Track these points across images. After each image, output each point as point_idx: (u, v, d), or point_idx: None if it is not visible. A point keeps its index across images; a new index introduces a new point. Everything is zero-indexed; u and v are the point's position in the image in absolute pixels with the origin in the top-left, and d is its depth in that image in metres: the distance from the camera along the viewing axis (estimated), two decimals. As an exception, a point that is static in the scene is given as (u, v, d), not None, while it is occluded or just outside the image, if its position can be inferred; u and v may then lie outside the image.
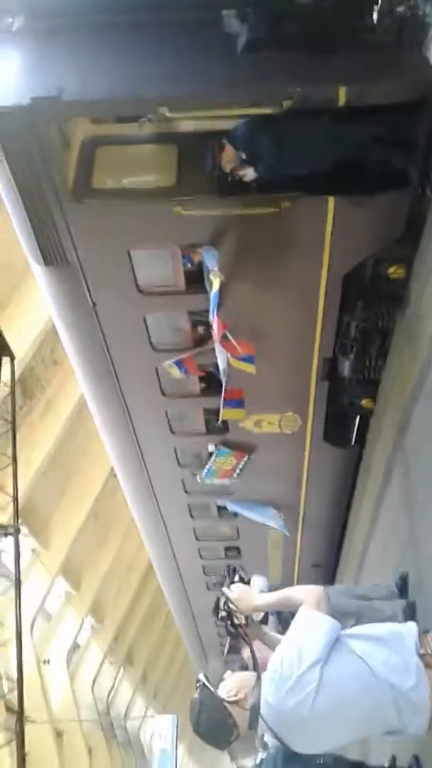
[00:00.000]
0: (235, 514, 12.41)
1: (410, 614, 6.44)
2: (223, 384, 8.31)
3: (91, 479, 18.05)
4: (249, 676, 3.64)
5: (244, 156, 6.59)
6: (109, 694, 24.37)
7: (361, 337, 8.22)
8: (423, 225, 6.83)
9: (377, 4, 5.97)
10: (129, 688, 27.31)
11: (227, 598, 4.08)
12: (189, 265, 7.79)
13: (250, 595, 4.07)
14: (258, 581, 6.65)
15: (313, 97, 5.95)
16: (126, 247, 7.48)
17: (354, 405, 9.36)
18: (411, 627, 3.79)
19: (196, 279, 7.73)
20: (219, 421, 9.41)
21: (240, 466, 10.83)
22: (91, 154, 7.28)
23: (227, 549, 14.15)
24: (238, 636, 4.07)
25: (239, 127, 6.41)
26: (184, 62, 6.21)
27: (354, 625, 6.51)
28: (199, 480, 11.23)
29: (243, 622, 4.03)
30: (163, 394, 9.57)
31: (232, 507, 12.14)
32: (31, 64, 6.48)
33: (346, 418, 10.12)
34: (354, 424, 10.33)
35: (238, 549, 13.97)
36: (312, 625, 3.47)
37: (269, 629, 4.66)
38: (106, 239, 7.37)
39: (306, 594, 3.68)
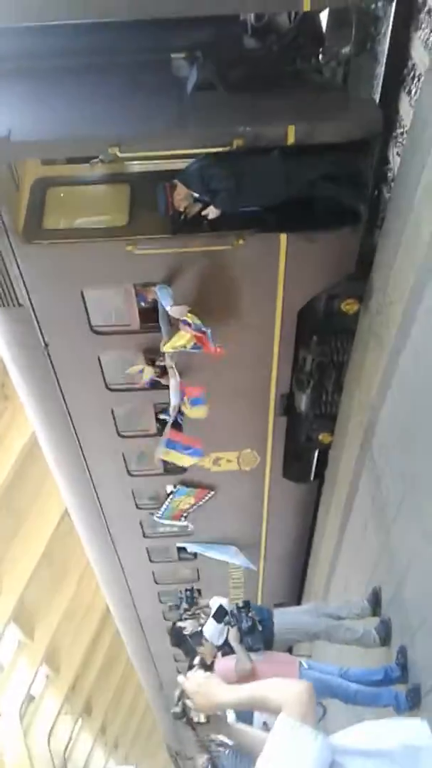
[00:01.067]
0: (195, 555, 12.20)
1: (384, 632, 6.31)
2: (170, 421, 8.27)
3: (45, 519, 17.28)
4: None
5: (196, 194, 6.62)
6: (66, 747, 23.43)
7: (317, 372, 8.26)
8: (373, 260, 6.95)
9: (323, 46, 6.14)
10: (88, 739, 26.32)
11: (181, 692, 3.16)
12: (143, 304, 7.74)
13: (213, 688, 3.07)
14: (217, 602, 6.52)
15: (263, 135, 6.04)
16: (79, 287, 7.41)
17: (312, 440, 9.36)
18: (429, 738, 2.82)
19: (150, 317, 7.68)
20: (157, 457, 9.26)
21: (196, 505, 10.70)
22: (42, 195, 7.24)
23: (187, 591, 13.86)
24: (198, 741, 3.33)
25: (192, 166, 6.44)
26: (135, 103, 6.25)
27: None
28: (156, 519, 11.04)
29: (203, 720, 3.23)
30: (118, 434, 9.41)
31: (192, 548, 11.93)
32: None
33: (304, 454, 10.11)
34: (313, 459, 10.32)
35: (198, 591, 13.66)
36: (298, 748, 2.59)
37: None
38: (59, 280, 7.28)
39: (287, 695, 2.75)
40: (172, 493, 10.63)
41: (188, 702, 3.08)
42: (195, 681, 3.08)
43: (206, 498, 10.58)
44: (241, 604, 6.17)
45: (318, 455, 10.19)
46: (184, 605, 7.09)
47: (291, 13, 6.03)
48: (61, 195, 7.37)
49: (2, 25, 6.02)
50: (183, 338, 7.13)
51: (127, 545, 12.03)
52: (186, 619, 6.91)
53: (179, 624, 6.91)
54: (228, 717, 3.29)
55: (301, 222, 6.73)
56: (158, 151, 6.57)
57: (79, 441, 9.36)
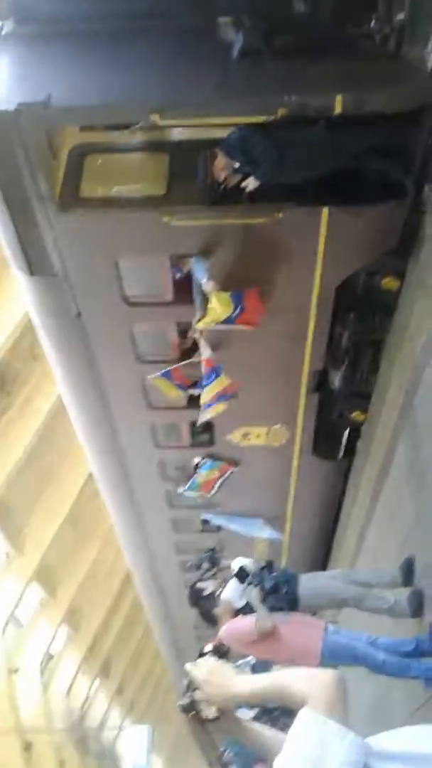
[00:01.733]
0: (219, 528, 12.22)
1: (416, 603, 5.95)
2: (204, 384, 8.11)
3: (69, 482, 17.34)
4: None
5: (236, 165, 6.44)
6: (83, 705, 23.94)
7: (353, 349, 8.12)
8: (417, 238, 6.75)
9: (376, 11, 5.89)
10: (105, 699, 26.90)
11: (190, 681, 2.71)
12: (178, 275, 7.62)
13: (226, 676, 2.62)
14: (240, 563, 6.23)
15: (309, 105, 5.84)
16: (114, 257, 7.30)
17: (344, 417, 9.24)
18: None
19: (185, 289, 7.56)
20: (197, 425, 9.17)
21: (221, 480, 10.65)
22: (80, 163, 7.09)
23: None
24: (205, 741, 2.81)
25: (233, 135, 6.25)
26: (177, 70, 6.07)
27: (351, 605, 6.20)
28: (180, 492, 11.03)
29: (213, 715, 2.67)
30: (148, 406, 9.37)
31: (217, 520, 11.94)
32: (20, 69, 6.30)
33: (335, 431, 10.00)
34: (343, 437, 10.21)
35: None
36: (323, 748, 2.10)
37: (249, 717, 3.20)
38: (94, 249, 7.18)
39: (313, 686, 2.27)
40: (198, 465, 10.60)
41: (198, 693, 2.64)
42: (206, 667, 2.68)
43: (230, 472, 10.54)
44: (264, 564, 6.05)
45: (348, 433, 10.07)
46: (206, 565, 6.98)
47: (344, -25, 5.79)
48: (99, 162, 7.22)
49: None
50: (225, 305, 7.00)
51: (151, 515, 12.09)
52: (206, 579, 6.71)
53: (199, 584, 6.65)
54: (243, 715, 2.80)
55: (344, 195, 6.53)
56: (200, 119, 6.37)
57: (108, 412, 9.33)
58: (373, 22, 5.97)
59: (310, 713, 2.15)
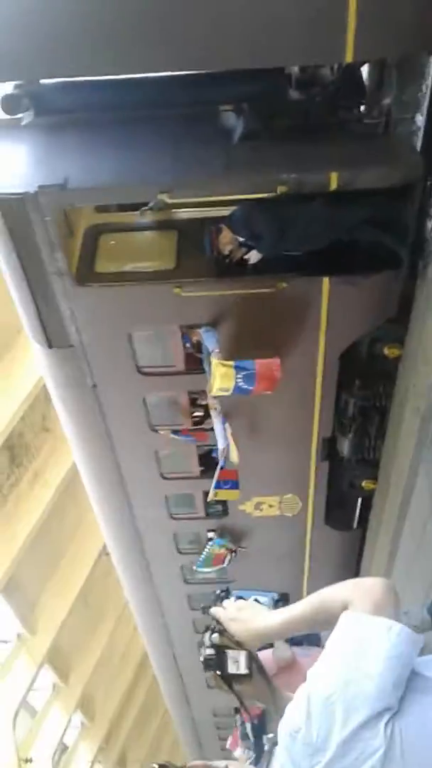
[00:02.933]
0: (236, 603, 12.03)
1: None
2: (220, 464, 8.31)
3: (82, 558, 16.86)
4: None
5: (241, 239, 6.85)
6: (99, 800, 22.75)
7: (360, 416, 8.27)
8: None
9: (365, 97, 6.38)
10: (121, 793, 25.57)
11: (215, 622, 2.42)
12: (188, 345, 7.93)
13: (255, 610, 2.38)
14: (262, 601, 6.01)
15: (306, 182, 6.24)
16: (128, 329, 7.65)
17: (355, 486, 9.29)
18: None
19: (195, 360, 7.86)
20: (208, 500, 9.30)
21: (231, 555, 10.64)
22: (95, 241, 7.57)
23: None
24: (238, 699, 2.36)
25: (237, 211, 6.69)
26: (184, 152, 6.56)
27: None
28: (195, 569, 11.00)
29: (242, 671, 2.30)
30: (162, 476, 9.52)
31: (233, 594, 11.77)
32: (40, 155, 6.85)
33: (347, 500, 10.02)
34: (356, 507, 10.21)
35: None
36: (369, 640, 1.82)
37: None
38: (109, 321, 7.54)
39: (356, 592, 2.00)
40: (210, 539, 10.60)
41: (223, 638, 2.27)
42: (233, 606, 2.47)
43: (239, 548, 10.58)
44: (277, 597, 5.81)
45: (361, 502, 10.07)
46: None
47: (334, 65, 6.30)
48: (112, 241, 7.71)
49: (59, 78, 6.48)
50: (227, 377, 7.24)
51: (167, 590, 11.99)
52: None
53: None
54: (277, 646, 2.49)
55: (343, 265, 6.87)
56: (205, 197, 6.83)
57: (123, 481, 9.48)
58: (362, 107, 6.45)
59: (352, 614, 1.90)
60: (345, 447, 8.61)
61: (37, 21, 5.21)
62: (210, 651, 2.28)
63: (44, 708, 18.72)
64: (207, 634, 2.38)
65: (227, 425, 8.09)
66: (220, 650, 2.30)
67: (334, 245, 6.66)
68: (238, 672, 2.26)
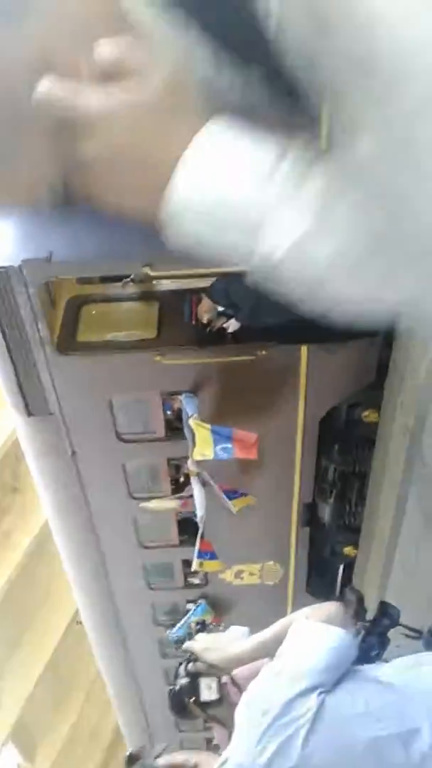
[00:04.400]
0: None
1: None
2: (200, 531, 8.25)
3: (52, 625, 15.89)
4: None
5: (220, 308, 7.03)
6: None
7: (340, 481, 8.34)
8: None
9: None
10: None
11: (189, 655, 2.71)
12: (169, 413, 7.99)
13: (227, 639, 2.75)
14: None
15: None
16: (108, 396, 7.71)
17: (336, 553, 9.27)
18: None
19: (176, 426, 7.91)
20: (192, 569, 9.19)
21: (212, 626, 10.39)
22: (77, 312, 7.71)
23: (207, 720, 13.19)
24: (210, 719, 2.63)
25: (217, 282, 6.89)
26: None
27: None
28: (169, 638, 10.70)
29: (213, 696, 2.62)
30: (140, 545, 9.41)
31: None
32: (24, 229, 7.02)
33: (328, 568, 9.96)
34: (337, 574, 10.14)
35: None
36: (312, 637, 2.28)
37: None
38: (89, 389, 7.60)
39: (314, 612, 2.51)
40: (189, 611, 10.40)
41: (198, 665, 2.61)
42: (205, 638, 2.82)
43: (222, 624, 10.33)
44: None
45: (343, 570, 10.02)
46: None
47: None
48: (94, 312, 7.85)
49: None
50: (205, 443, 7.29)
51: (143, 663, 11.67)
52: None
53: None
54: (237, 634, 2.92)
55: (321, 334, 7.06)
56: (186, 270, 7.03)
57: (100, 550, 9.35)
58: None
59: (305, 621, 2.36)
60: (326, 513, 8.64)
61: None
62: (185, 680, 2.57)
63: None
64: (182, 665, 2.65)
65: (213, 483, 8.06)
66: (194, 678, 2.59)
67: (312, 314, 6.85)
68: (210, 699, 2.59)
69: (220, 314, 7.10)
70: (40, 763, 17.52)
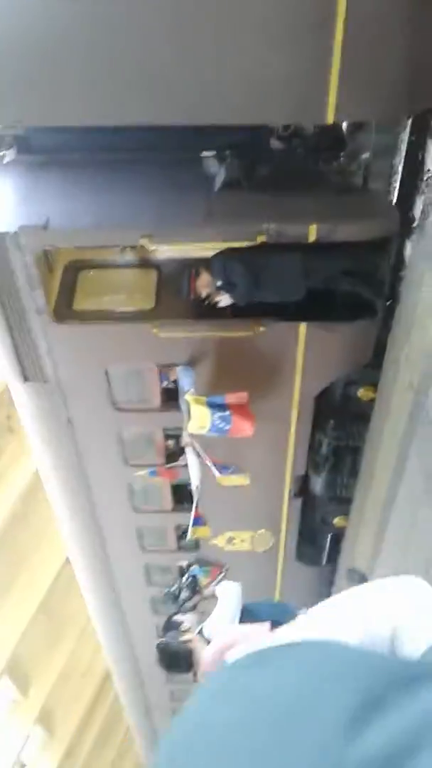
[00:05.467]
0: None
1: None
2: (195, 501, 8.31)
3: (45, 567, 16.03)
4: None
5: (219, 283, 6.91)
6: None
7: (333, 455, 8.37)
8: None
9: (344, 150, 6.52)
10: None
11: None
12: (165, 383, 7.96)
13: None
14: (227, 588, 5.20)
15: (285, 233, 6.34)
16: (104, 366, 7.67)
17: (326, 523, 9.37)
18: None
19: (172, 396, 7.89)
20: (186, 539, 9.32)
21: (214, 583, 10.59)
22: (74, 278, 7.60)
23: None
24: None
25: (216, 257, 6.76)
26: (165, 198, 6.63)
27: None
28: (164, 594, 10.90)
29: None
30: (135, 509, 9.51)
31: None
32: (21, 194, 6.87)
33: (318, 537, 10.09)
34: (326, 543, 10.28)
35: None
36: None
37: None
38: (85, 358, 7.55)
39: None
40: (184, 571, 10.54)
41: None
42: None
43: (220, 577, 10.51)
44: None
45: (331, 539, 10.15)
46: (185, 594, 6.14)
47: (315, 122, 6.44)
48: (91, 278, 7.73)
49: (40, 125, 6.50)
50: (202, 417, 7.27)
51: (136, 622, 11.92)
52: (186, 611, 5.67)
53: (177, 617, 5.54)
54: None
55: (320, 312, 6.98)
56: (186, 243, 6.90)
57: (95, 515, 9.46)
58: (341, 159, 6.59)
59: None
60: (318, 485, 8.70)
61: (16, 67, 5.23)
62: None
63: (1, 721, 18.05)
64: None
65: (204, 454, 8.09)
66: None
67: (312, 293, 6.77)
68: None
69: (218, 288, 6.98)
70: (34, 697, 17.97)
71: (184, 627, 5.21)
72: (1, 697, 17.46)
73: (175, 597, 6.18)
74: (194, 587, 6.12)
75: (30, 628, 15.93)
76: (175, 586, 6.34)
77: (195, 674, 3.90)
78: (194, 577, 6.39)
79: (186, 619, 5.28)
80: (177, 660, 4.03)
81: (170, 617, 5.48)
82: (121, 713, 18.82)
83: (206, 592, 5.90)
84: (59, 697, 19.16)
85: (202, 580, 10.08)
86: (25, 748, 18.54)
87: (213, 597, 5.53)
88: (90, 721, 21.77)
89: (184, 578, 6.31)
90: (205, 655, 4.13)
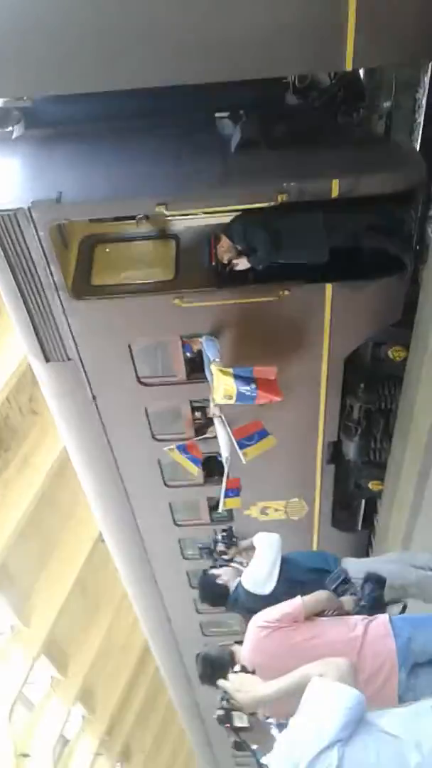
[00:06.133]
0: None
1: None
2: (225, 472, 8.18)
3: (76, 546, 16.05)
4: None
5: (239, 247, 6.70)
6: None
7: (365, 419, 8.20)
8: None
9: (364, 101, 6.23)
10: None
11: (224, 693, 3.32)
12: (189, 354, 7.80)
13: (254, 683, 3.21)
14: (264, 538, 5.16)
15: (307, 190, 6.10)
16: (126, 341, 7.51)
17: (361, 488, 9.23)
18: None
19: (197, 368, 7.73)
20: (219, 510, 9.21)
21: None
22: (90, 252, 7.43)
23: (235, 644, 13.58)
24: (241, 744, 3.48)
25: (235, 221, 6.55)
26: (180, 163, 6.40)
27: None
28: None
29: (245, 724, 3.38)
30: (165, 484, 9.42)
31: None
32: (32, 168, 6.68)
33: (352, 502, 9.96)
34: (360, 507, 10.14)
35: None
36: (330, 696, 2.59)
37: None
38: (107, 334, 7.40)
39: (328, 668, 2.77)
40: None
41: (231, 703, 3.29)
42: (237, 680, 3.35)
43: None
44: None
45: (365, 504, 10.01)
46: (221, 547, 5.99)
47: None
48: (108, 251, 7.55)
49: (50, 92, 6.27)
50: (228, 387, 7.10)
51: (172, 594, 11.92)
52: (221, 565, 5.67)
53: (213, 571, 5.47)
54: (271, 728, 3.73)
55: (346, 271, 6.75)
56: (203, 209, 6.68)
57: (126, 492, 9.39)
58: (362, 111, 6.31)
59: (321, 680, 2.66)
60: (351, 450, 8.54)
61: (21, 34, 5.02)
62: (221, 711, 3.31)
63: (42, 701, 18.16)
64: (220, 701, 3.30)
65: (229, 429, 7.95)
66: (228, 711, 3.31)
67: (337, 252, 6.54)
68: (242, 725, 3.36)
69: (240, 253, 6.77)
70: (73, 675, 18.08)
71: (221, 580, 5.33)
72: (41, 676, 17.75)
73: (211, 551, 6.09)
74: (230, 539, 6.01)
75: (66, 607, 16.01)
76: (211, 539, 6.23)
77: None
78: (230, 528, 6.24)
79: (222, 573, 5.37)
80: (221, 665, 4.03)
81: (205, 572, 5.54)
82: (163, 685, 18.99)
83: (243, 543, 5.78)
84: (99, 673, 19.31)
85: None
86: (67, 725, 18.82)
87: (251, 548, 5.48)
88: (131, 695, 21.99)
89: (218, 531, 6.12)
90: (243, 654, 4.17)
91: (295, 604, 4.19)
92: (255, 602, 4.90)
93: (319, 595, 4.33)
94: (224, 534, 6.12)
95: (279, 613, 4.11)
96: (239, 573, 5.31)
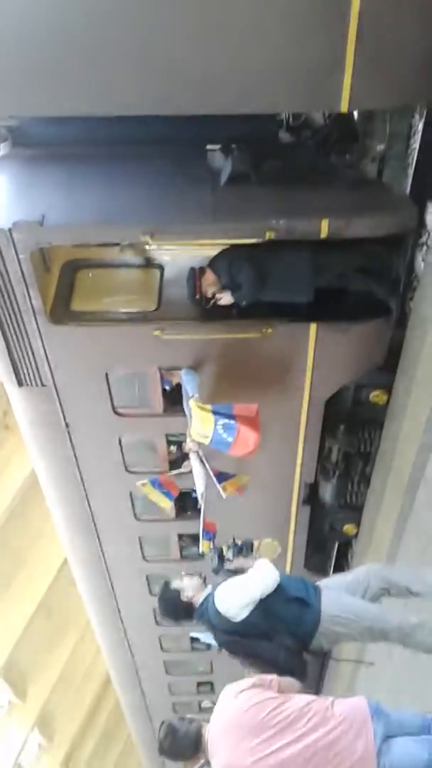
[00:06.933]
0: (209, 647, 11.69)
1: None
2: (201, 509, 7.96)
3: (45, 566, 15.80)
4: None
5: (224, 281, 6.57)
6: None
7: (343, 462, 8.05)
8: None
9: (357, 142, 6.17)
10: None
11: None
12: (167, 388, 7.61)
13: None
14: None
15: (296, 229, 5.99)
16: (104, 369, 7.32)
17: (336, 530, 9.03)
18: None
19: (174, 401, 7.54)
20: (200, 552, 8.96)
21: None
22: (71, 277, 7.26)
23: (199, 684, 13.27)
24: None
25: (221, 255, 6.42)
26: (168, 193, 6.27)
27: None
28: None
29: None
30: (136, 518, 9.16)
31: (206, 638, 11.42)
32: (16, 188, 6.51)
33: (326, 544, 9.75)
34: (333, 551, 9.95)
35: (211, 684, 13.10)
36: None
37: None
38: (84, 361, 7.21)
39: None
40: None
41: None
42: None
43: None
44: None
45: (338, 547, 9.82)
46: (231, 552, 5.54)
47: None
48: (90, 277, 7.38)
49: (39, 115, 6.14)
50: (206, 424, 6.91)
51: (137, 632, 11.59)
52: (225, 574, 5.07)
53: (175, 585, 4.90)
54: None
55: (331, 312, 6.64)
56: (190, 241, 6.55)
57: (95, 523, 9.11)
58: (354, 152, 6.24)
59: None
60: (327, 492, 8.37)
61: (13, 55, 4.89)
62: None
63: None
64: None
65: (207, 465, 7.75)
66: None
67: (323, 291, 6.43)
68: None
69: (224, 288, 6.63)
70: (32, 700, 17.45)
71: (185, 597, 4.69)
72: (-1, 699, 17.13)
73: (221, 554, 5.58)
74: (242, 551, 5.57)
75: (28, 629, 15.59)
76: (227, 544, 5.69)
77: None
78: (249, 541, 5.82)
79: (186, 586, 4.78)
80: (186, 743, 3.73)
81: (167, 583, 4.91)
82: (122, 719, 18.44)
83: (248, 561, 5.13)
84: (59, 700, 18.69)
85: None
86: (23, 753, 18.10)
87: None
88: (91, 725, 21.35)
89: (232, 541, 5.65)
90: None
91: (268, 678, 3.91)
92: (221, 622, 4.56)
93: (294, 684, 3.97)
94: (240, 544, 5.75)
95: (251, 682, 3.82)
96: (204, 586, 4.86)
